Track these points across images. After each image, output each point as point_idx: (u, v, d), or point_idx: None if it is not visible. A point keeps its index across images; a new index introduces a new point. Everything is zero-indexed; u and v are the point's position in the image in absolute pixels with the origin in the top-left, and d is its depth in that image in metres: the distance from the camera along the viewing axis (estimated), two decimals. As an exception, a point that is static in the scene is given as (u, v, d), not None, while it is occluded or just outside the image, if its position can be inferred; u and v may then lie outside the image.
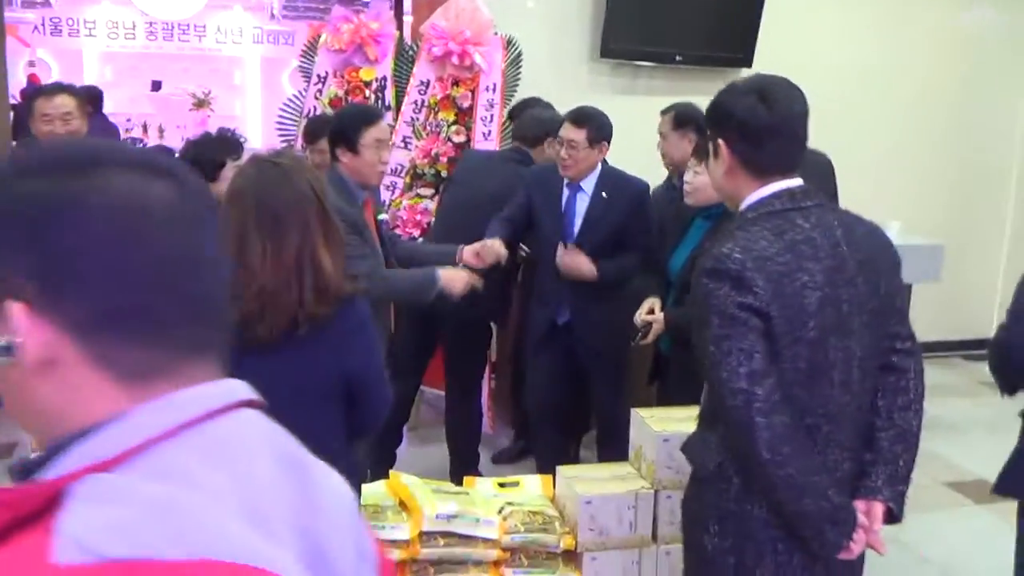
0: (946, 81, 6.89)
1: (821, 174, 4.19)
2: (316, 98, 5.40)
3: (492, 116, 5.25)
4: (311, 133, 4.40)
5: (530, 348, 4.26)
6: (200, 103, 12.77)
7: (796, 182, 1.98)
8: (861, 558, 2.09)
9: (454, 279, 3.41)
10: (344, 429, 2.20)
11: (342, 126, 3.33)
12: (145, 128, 11.92)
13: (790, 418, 1.85)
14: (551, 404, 4.21)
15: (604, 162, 4.01)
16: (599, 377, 4.14)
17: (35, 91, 4.08)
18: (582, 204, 3.94)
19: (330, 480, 0.87)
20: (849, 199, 2.90)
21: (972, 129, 7.02)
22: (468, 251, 3.71)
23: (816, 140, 2.26)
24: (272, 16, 13.17)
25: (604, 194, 3.90)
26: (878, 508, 1.99)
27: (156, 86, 12.50)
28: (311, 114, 5.29)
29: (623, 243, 3.91)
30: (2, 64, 4.73)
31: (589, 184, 3.93)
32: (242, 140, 3.69)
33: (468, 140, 5.28)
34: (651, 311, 3.63)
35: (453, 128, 5.28)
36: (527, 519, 2.83)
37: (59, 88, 4.10)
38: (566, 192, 3.96)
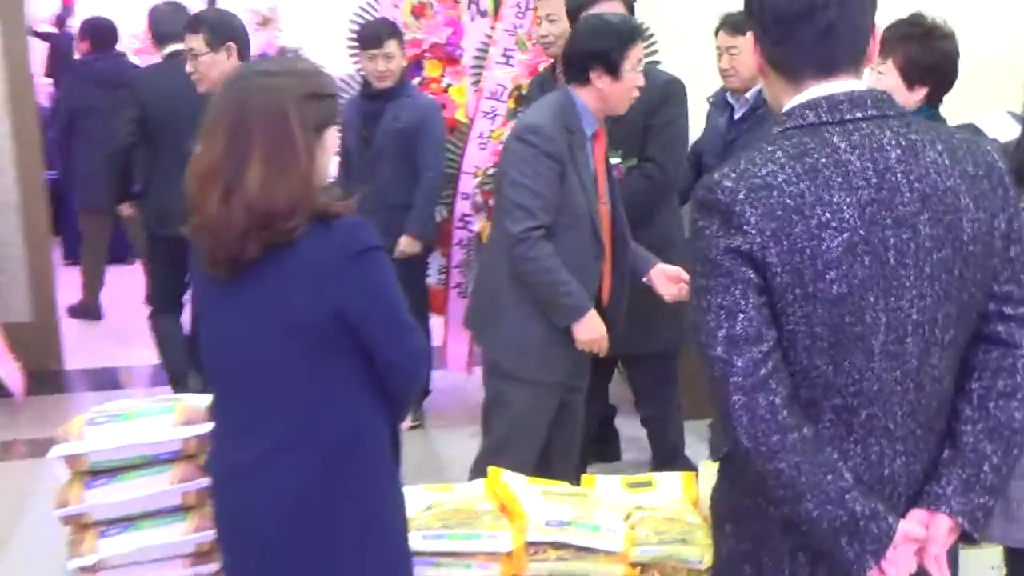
0: None
1: None
2: (395, 7, 5.06)
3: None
4: (372, 38, 4.53)
5: None
6: (265, 21, 12.58)
7: (843, 86, 1.72)
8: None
9: (587, 332, 3.17)
10: (364, 385, 2.10)
11: (605, 45, 3.13)
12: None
13: (788, 399, 1.67)
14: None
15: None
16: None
17: None
18: None
19: None
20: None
21: None
22: (659, 273, 3.33)
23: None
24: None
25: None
26: (942, 522, 1.73)
27: (211, 3, 12.31)
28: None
29: None
30: None
31: None
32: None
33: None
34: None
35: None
36: (662, 527, 2.63)
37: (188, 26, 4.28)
38: None
